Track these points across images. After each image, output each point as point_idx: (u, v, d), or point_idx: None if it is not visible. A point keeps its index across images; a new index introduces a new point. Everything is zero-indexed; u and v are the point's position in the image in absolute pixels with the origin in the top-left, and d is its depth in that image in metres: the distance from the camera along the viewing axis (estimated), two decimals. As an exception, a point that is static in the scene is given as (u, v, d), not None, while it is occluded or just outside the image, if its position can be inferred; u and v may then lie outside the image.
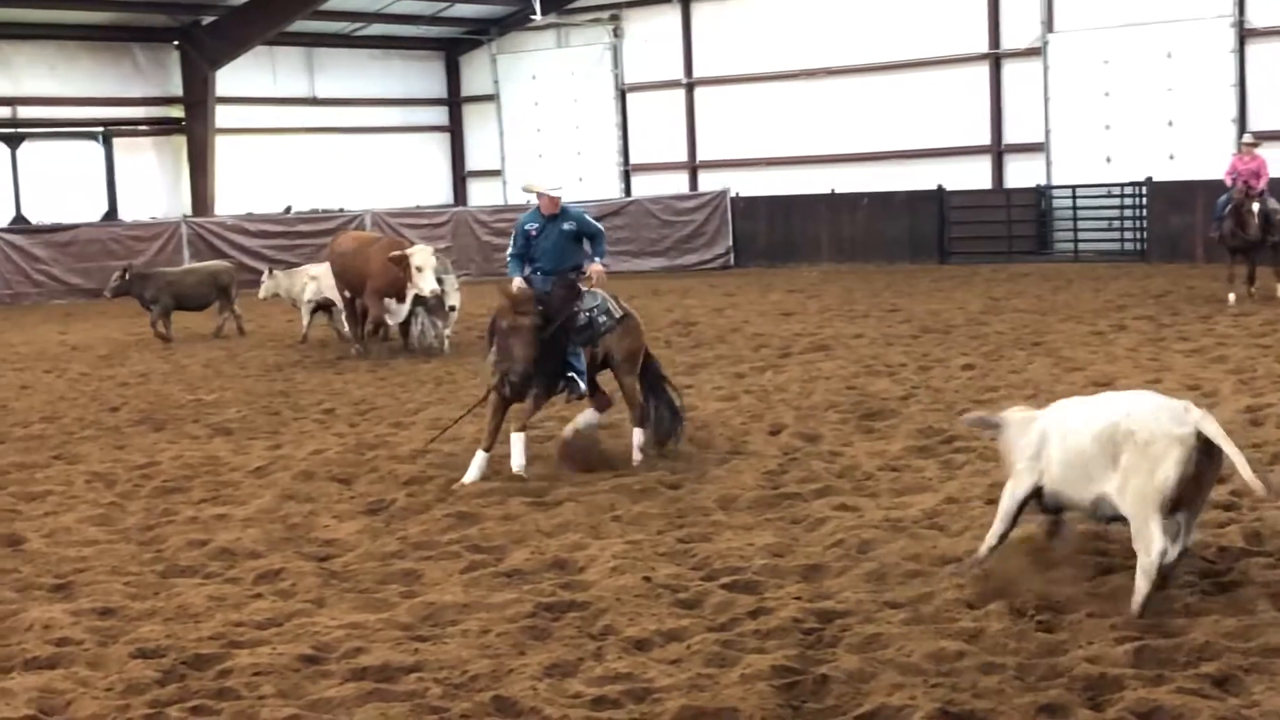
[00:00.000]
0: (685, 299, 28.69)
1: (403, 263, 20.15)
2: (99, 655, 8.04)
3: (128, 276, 24.87)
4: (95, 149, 37.87)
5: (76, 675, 7.71)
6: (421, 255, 20.16)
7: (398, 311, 21.02)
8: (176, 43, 38.44)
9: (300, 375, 19.88)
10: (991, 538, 8.84)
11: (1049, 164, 34.52)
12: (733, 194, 37.83)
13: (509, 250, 13.32)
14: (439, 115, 45.24)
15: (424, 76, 44.72)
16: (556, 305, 12.77)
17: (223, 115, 38.59)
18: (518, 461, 12.46)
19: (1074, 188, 33.79)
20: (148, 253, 33.77)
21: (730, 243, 37.67)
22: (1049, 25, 34.32)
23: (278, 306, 25.50)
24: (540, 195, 13.26)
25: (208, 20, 38.12)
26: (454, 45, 44.58)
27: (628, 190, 41.42)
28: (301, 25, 39.26)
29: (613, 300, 13.28)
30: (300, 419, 16.23)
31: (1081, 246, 33.57)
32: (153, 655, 7.98)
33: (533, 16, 40.48)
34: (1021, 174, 35.30)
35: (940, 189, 34.74)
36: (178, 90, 38.84)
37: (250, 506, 11.74)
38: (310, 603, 8.97)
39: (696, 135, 40.61)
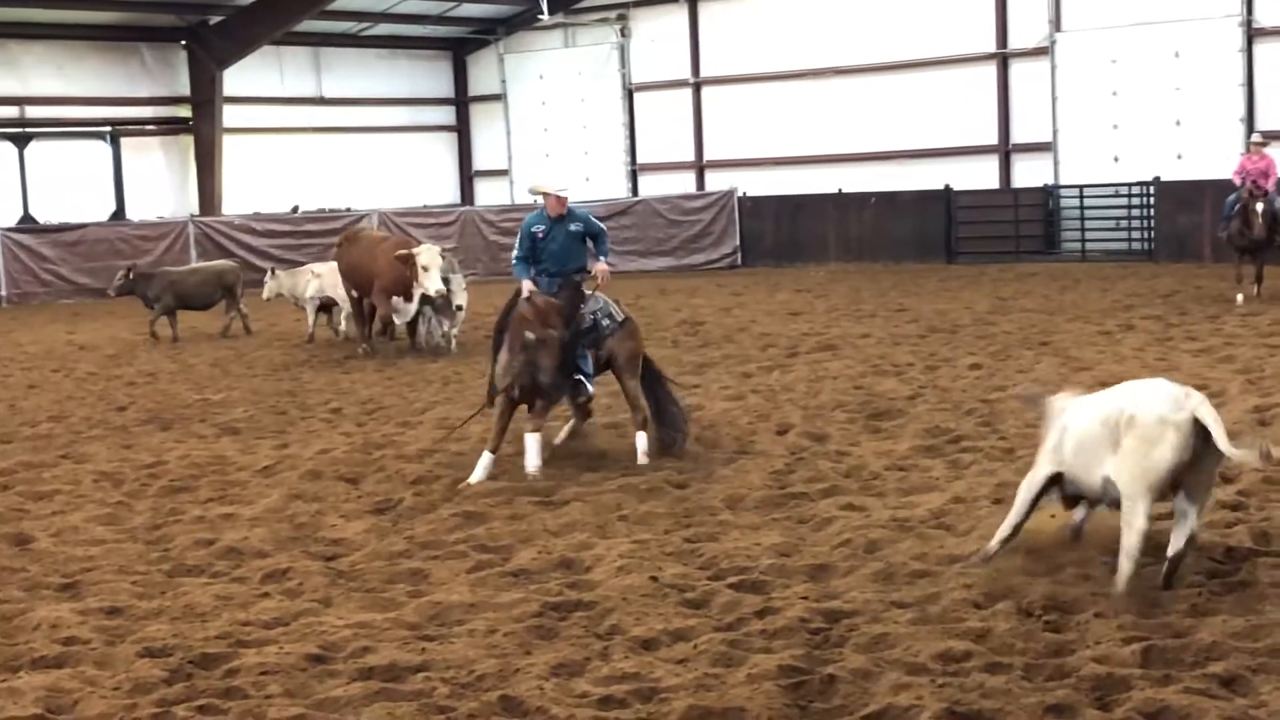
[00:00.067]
0: (692, 299, 28.68)
1: (409, 261, 20.16)
2: (106, 654, 8.05)
3: (131, 276, 24.88)
4: (103, 149, 37.89)
5: (84, 674, 7.71)
6: (428, 255, 20.17)
7: (405, 311, 21.03)
8: (184, 42, 38.47)
9: (307, 375, 19.90)
10: (1005, 527, 8.95)
11: (1056, 164, 34.47)
12: (740, 194, 37.79)
13: (514, 252, 13.32)
14: (446, 115, 45.26)
15: (431, 76, 44.73)
16: (567, 309, 12.77)
17: (230, 115, 38.62)
18: (533, 462, 12.45)
19: (1081, 187, 33.74)
20: (155, 252, 33.80)
21: (737, 242, 37.64)
22: (1056, 24, 34.28)
23: (285, 306, 25.51)
24: (547, 196, 13.25)
25: (215, 20, 38.14)
26: (461, 45, 44.59)
27: (635, 190, 41.41)
28: (309, 25, 39.27)
29: (613, 303, 13.30)
30: (307, 418, 16.24)
31: (1089, 246, 33.51)
32: (160, 654, 7.99)
33: (540, 16, 40.46)
34: (1029, 174, 35.25)
35: (947, 189, 34.69)
36: (185, 90, 38.88)
37: (257, 506, 11.75)
38: (317, 602, 8.97)
39: (704, 135, 40.59)
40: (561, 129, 42.30)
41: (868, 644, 7.70)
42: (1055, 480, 8.82)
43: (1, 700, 7.33)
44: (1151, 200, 32.49)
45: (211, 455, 14.08)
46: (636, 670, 7.46)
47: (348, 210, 38.15)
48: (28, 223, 35.57)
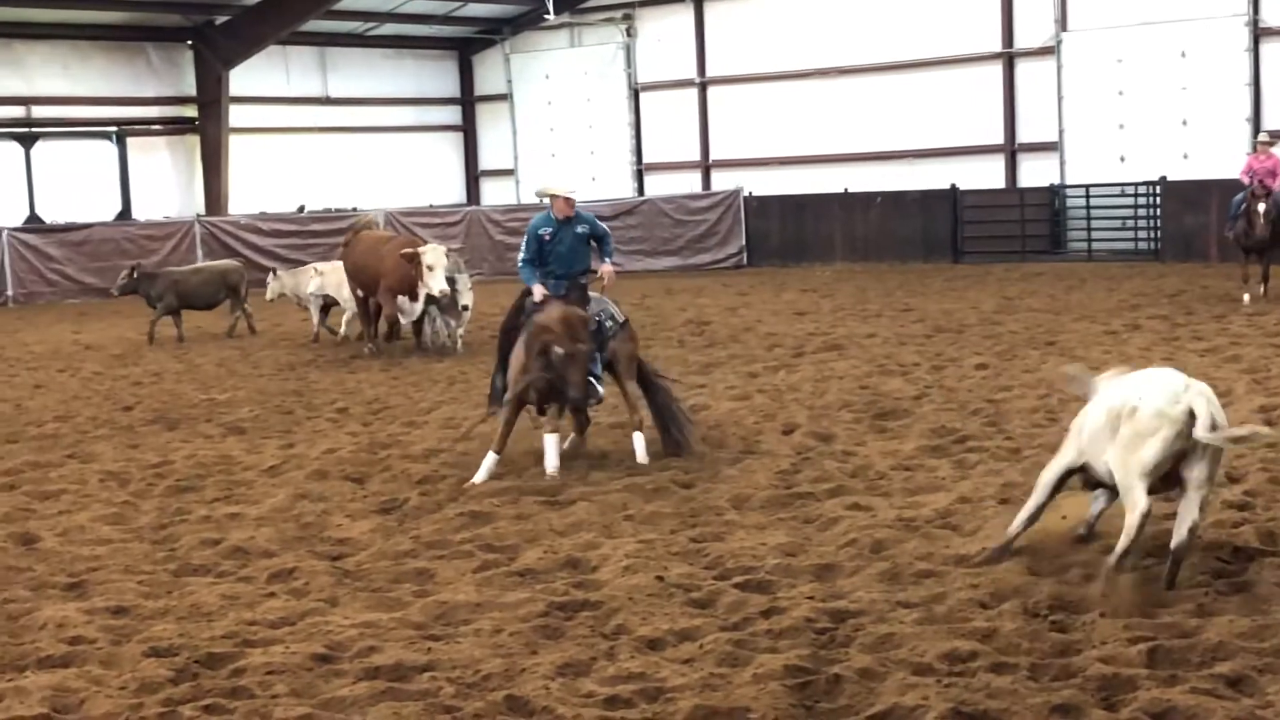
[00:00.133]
0: (698, 298, 28.68)
1: (414, 260, 20.15)
2: (112, 654, 8.05)
3: (135, 275, 24.87)
4: (109, 148, 37.93)
5: (90, 674, 7.72)
6: (433, 254, 20.16)
7: (410, 310, 21.02)
8: (190, 42, 38.52)
9: (313, 374, 19.90)
10: (1024, 511, 9.04)
11: (1062, 163, 34.46)
12: (746, 193, 37.82)
13: (521, 255, 13.27)
14: (452, 114, 45.28)
15: (437, 76, 44.76)
16: (589, 320, 12.76)
17: (236, 115, 38.67)
18: (552, 462, 12.40)
19: (1088, 187, 33.75)
20: (161, 252, 33.82)
21: (743, 242, 37.66)
22: (1063, 24, 34.27)
23: (290, 306, 25.51)
24: (554, 198, 13.23)
25: (221, 20, 38.19)
26: (467, 45, 44.61)
27: (641, 190, 41.43)
28: (315, 25, 39.32)
29: (614, 304, 13.32)
30: (313, 418, 16.24)
31: (1095, 246, 33.52)
32: (166, 654, 7.99)
33: (546, 16, 40.48)
34: (1035, 173, 35.26)
35: (954, 188, 34.70)
36: (191, 90, 38.92)
37: (263, 505, 11.75)
38: (323, 602, 8.97)
39: (709, 134, 40.61)
40: (567, 129, 42.32)
41: (873, 644, 7.69)
42: (1078, 465, 8.93)
43: (8, 700, 7.33)
44: (1158, 200, 32.50)
45: (218, 455, 14.09)
46: (642, 670, 7.45)
47: (354, 210, 38.12)
48: (34, 222, 35.63)
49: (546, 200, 13.49)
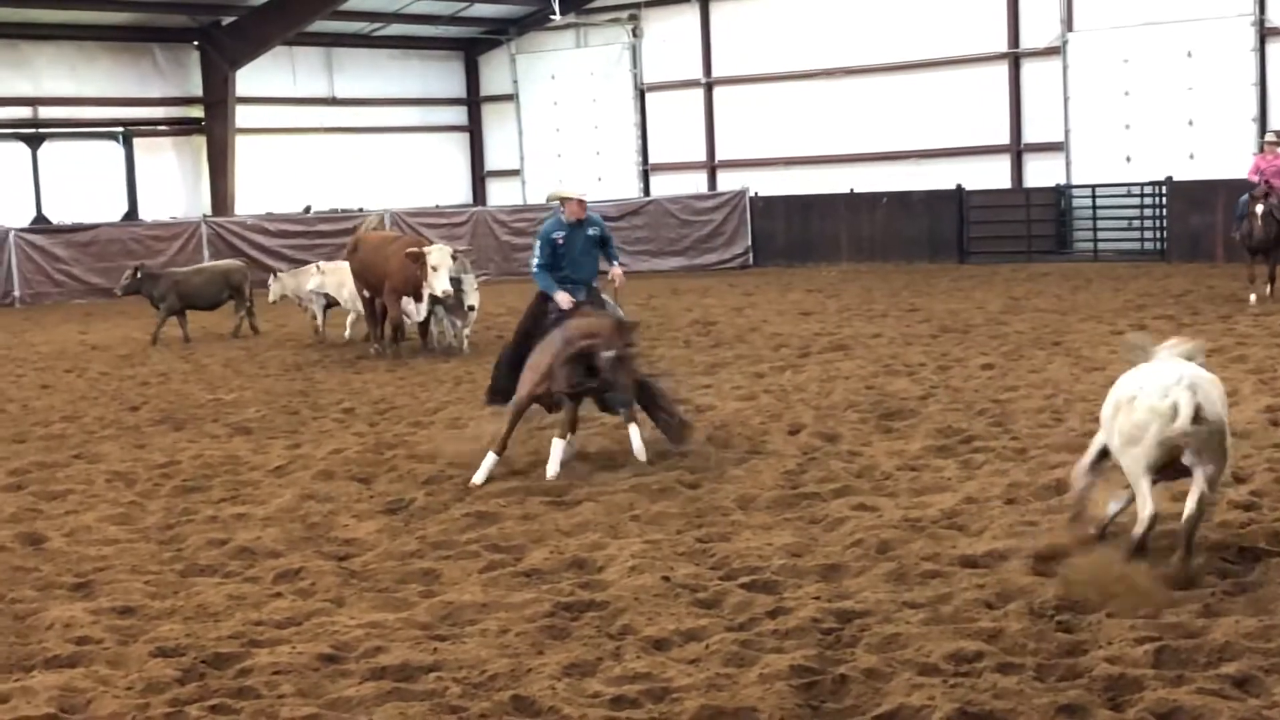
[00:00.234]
0: (704, 298, 28.69)
1: (419, 260, 20.14)
2: (119, 654, 8.06)
3: (139, 275, 24.88)
4: (115, 149, 37.99)
5: (97, 674, 7.73)
6: (438, 255, 20.14)
7: (415, 311, 21.01)
8: (196, 43, 38.59)
9: (320, 374, 19.92)
10: (1072, 495, 9.17)
11: (1068, 163, 34.45)
12: (751, 193, 37.83)
13: (535, 261, 13.19)
14: (458, 115, 45.31)
15: (443, 76, 44.79)
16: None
17: (242, 115, 38.71)
18: (554, 468, 12.39)
19: (1094, 187, 33.74)
20: (168, 252, 33.85)
21: (749, 242, 37.68)
22: (1068, 24, 34.26)
23: (295, 307, 25.50)
24: (568, 201, 13.23)
25: (227, 20, 38.24)
26: (473, 45, 44.64)
27: (646, 190, 41.45)
28: (321, 25, 39.36)
29: (616, 306, 13.35)
30: (320, 418, 16.26)
31: (1101, 246, 33.49)
32: (173, 654, 8.00)
33: (552, 16, 40.50)
34: (1041, 173, 35.26)
35: (959, 188, 34.70)
36: (198, 90, 38.98)
37: (270, 506, 11.76)
38: (329, 602, 8.98)
39: (715, 135, 40.62)
40: (573, 129, 42.35)
41: (880, 644, 7.69)
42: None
43: (15, 699, 7.35)
44: (1164, 200, 32.48)
45: (224, 455, 14.10)
46: (648, 670, 7.46)
47: (360, 210, 38.16)
48: (41, 223, 35.67)
49: (556, 204, 13.47)
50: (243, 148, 38.79)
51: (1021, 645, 7.57)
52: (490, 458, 12.40)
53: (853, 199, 36.47)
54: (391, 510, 11.54)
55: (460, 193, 44.54)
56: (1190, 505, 8.44)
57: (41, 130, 36.73)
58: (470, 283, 21.22)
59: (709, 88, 40.45)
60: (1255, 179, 23.50)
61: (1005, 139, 35.78)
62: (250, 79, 38.75)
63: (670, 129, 41.19)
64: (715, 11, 40.09)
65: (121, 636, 8.38)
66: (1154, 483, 8.64)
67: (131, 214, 37.49)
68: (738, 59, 39.61)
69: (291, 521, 11.20)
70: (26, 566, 10.09)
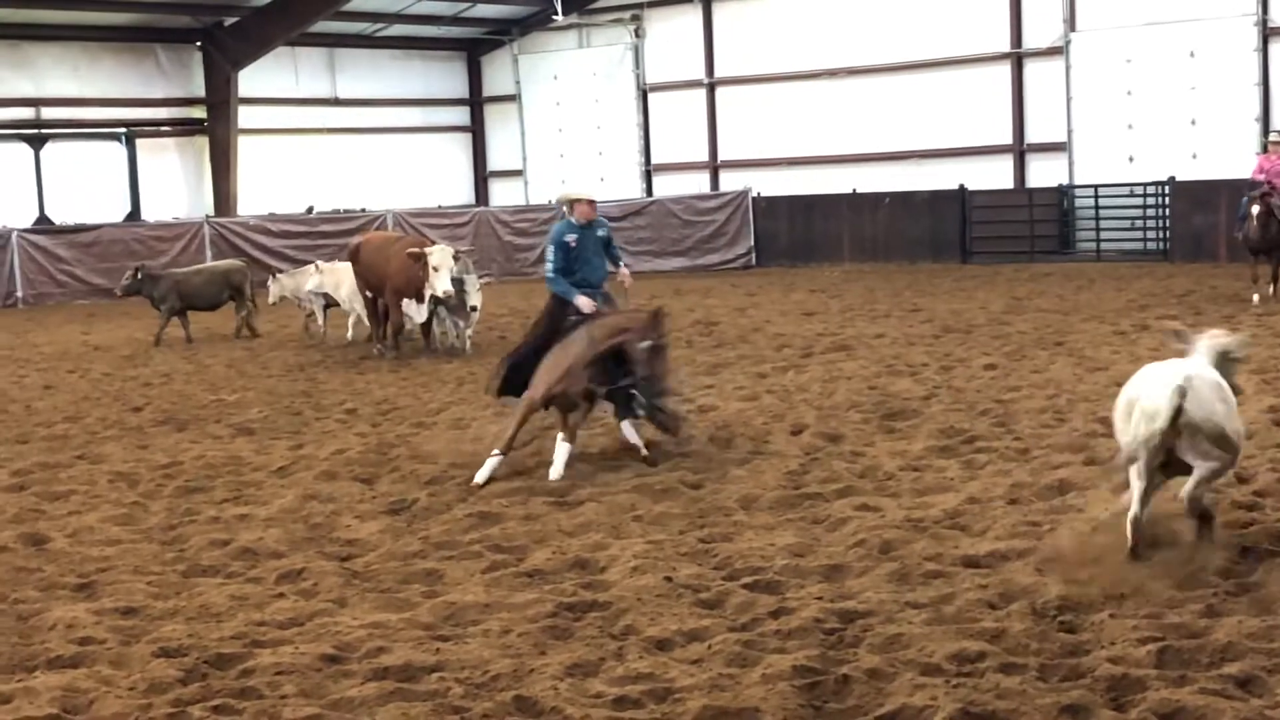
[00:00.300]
0: (707, 299, 28.68)
1: (420, 260, 20.13)
2: (122, 654, 8.06)
3: (139, 276, 24.87)
4: (118, 150, 38.02)
5: (99, 674, 7.73)
6: (439, 255, 20.13)
7: (417, 312, 21.00)
8: (199, 43, 38.61)
9: (322, 375, 19.92)
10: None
11: (1071, 163, 34.45)
12: (754, 194, 37.84)
13: (549, 266, 13.10)
14: (460, 115, 45.33)
15: (445, 77, 44.81)
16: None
17: (245, 116, 38.73)
18: (558, 470, 12.37)
19: (1096, 187, 33.72)
20: (170, 253, 33.85)
21: (752, 242, 37.68)
22: (1071, 24, 34.25)
23: (296, 307, 25.51)
24: (578, 202, 13.23)
25: (230, 21, 38.27)
26: (475, 45, 44.66)
27: (649, 190, 41.46)
28: (323, 26, 39.37)
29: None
30: (322, 419, 16.26)
31: (1104, 246, 33.48)
32: (175, 654, 8.01)
33: (554, 17, 40.52)
34: (1044, 173, 35.26)
35: (962, 188, 34.69)
36: (200, 91, 39.01)
37: (272, 506, 11.76)
38: (332, 602, 8.98)
39: (718, 135, 40.63)
40: (576, 129, 42.35)
41: (882, 644, 7.69)
42: None
43: (18, 700, 7.35)
44: (1166, 200, 32.47)
45: (227, 456, 14.10)
46: (651, 670, 7.46)
47: (362, 211, 38.19)
48: (43, 224, 35.69)
49: (565, 208, 13.46)
50: (245, 148, 38.82)
51: (1024, 645, 7.57)
52: (495, 458, 12.40)
53: (855, 199, 36.47)
54: (394, 511, 11.54)
55: (463, 193, 44.56)
56: (1188, 486, 8.72)
57: (44, 131, 36.75)
58: (472, 283, 21.23)
59: (711, 88, 40.46)
60: (1260, 178, 23.49)
61: (1008, 139, 35.78)
62: (253, 79, 38.77)
63: (673, 129, 41.20)
64: (718, 12, 40.10)
65: (124, 637, 8.39)
66: (1155, 480, 8.76)
67: (134, 214, 37.52)
68: (740, 59, 39.61)
69: (294, 522, 11.20)
70: (29, 567, 10.10)
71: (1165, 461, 8.74)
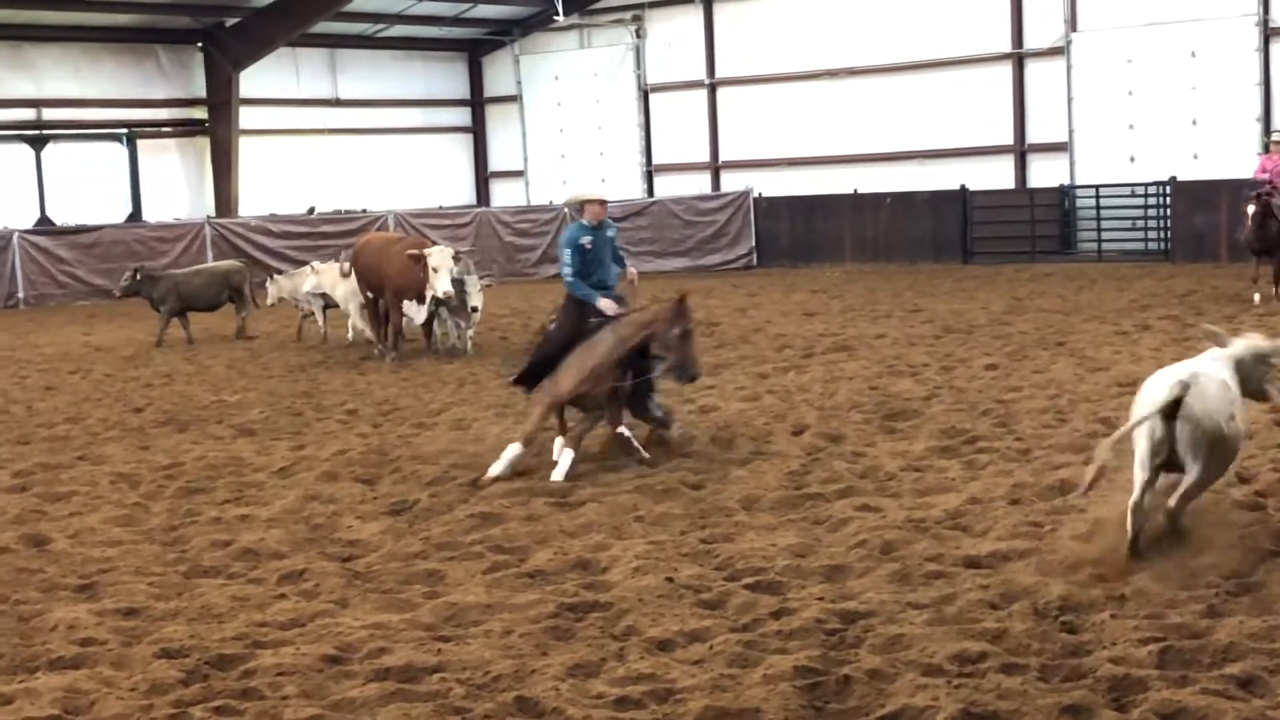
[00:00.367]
0: (708, 299, 28.64)
1: (421, 262, 20.13)
2: (123, 655, 8.07)
3: (138, 277, 24.86)
4: (119, 150, 38.00)
5: (101, 675, 7.73)
6: (438, 256, 20.12)
7: (417, 313, 21.00)
8: (200, 44, 38.61)
9: (323, 376, 19.92)
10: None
11: (1072, 164, 34.45)
12: (755, 194, 37.84)
13: (568, 271, 12.99)
14: (461, 116, 45.34)
15: (446, 77, 44.80)
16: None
17: (246, 116, 38.74)
18: (561, 473, 12.34)
19: (1097, 187, 33.72)
20: (172, 254, 33.82)
21: (753, 243, 37.68)
22: (1072, 24, 34.25)
23: (294, 309, 25.51)
24: (590, 203, 13.22)
25: (231, 22, 38.28)
26: (476, 46, 44.66)
27: (650, 191, 41.47)
28: (324, 27, 39.37)
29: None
30: (323, 420, 16.26)
31: (1105, 246, 33.48)
32: (176, 655, 8.01)
33: (555, 17, 40.53)
34: (1045, 174, 35.26)
35: (963, 189, 34.68)
36: (201, 92, 39.01)
37: (274, 507, 11.77)
38: (333, 603, 8.98)
39: (719, 135, 40.63)
40: (577, 130, 42.36)
41: (883, 645, 7.69)
42: None
43: (19, 701, 7.35)
44: (1168, 200, 32.47)
45: (228, 456, 14.11)
46: (652, 671, 7.46)
47: (364, 212, 38.19)
48: (44, 224, 35.66)
49: (576, 209, 13.46)
50: (246, 149, 38.82)
51: (1025, 646, 7.57)
52: (514, 449, 12.41)
53: (856, 199, 36.48)
54: (395, 511, 11.54)
55: (464, 194, 44.56)
56: (1174, 497, 8.79)
57: (45, 132, 36.74)
58: (473, 284, 21.23)
59: (712, 88, 40.46)
60: (1263, 177, 23.47)
61: (1009, 139, 35.78)
62: (254, 80, 38.77)
63: (674, 130, 41.20)
64: (719, 12, 40.09)
65: (125, 638, 8.39)
66: (1156, 475, 8.87)
67: (135, 215, 37.50)
68: (741, 60, 39.61)
69: (295, 523, 11.21)
70: (31, 568, 10.10)
71: (1167, 461, 8.79)
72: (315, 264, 24.46)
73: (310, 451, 14.16)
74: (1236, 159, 30.27)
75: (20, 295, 33.31)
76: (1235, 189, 26.21)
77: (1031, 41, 35.15)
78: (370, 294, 21.76)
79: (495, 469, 12.28)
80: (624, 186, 40.51)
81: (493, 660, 7.71)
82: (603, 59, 42.06)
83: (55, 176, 36.73)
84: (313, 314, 24.34)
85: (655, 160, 41.81)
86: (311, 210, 38.89)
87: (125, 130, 37.96)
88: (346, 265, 22.62)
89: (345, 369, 20.54)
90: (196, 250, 34.42)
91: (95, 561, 10.21)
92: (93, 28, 37.30)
